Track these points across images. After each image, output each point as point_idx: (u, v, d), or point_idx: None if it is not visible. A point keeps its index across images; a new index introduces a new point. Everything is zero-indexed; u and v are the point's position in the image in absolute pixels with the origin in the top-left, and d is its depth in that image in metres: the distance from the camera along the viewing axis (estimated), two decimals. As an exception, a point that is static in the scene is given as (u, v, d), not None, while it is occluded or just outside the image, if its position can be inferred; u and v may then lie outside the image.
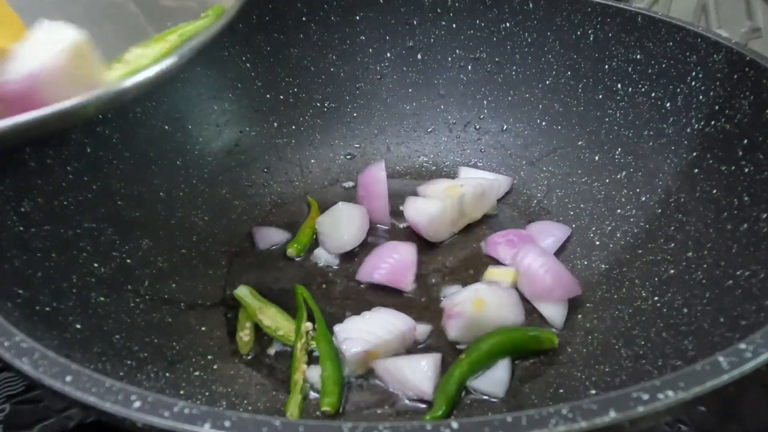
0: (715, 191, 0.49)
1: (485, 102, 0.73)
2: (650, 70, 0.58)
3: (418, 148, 0.73)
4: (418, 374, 0.46)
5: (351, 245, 0.60)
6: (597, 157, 0.64)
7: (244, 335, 0.51)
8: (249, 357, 0.50)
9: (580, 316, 0.52)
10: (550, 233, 0.60)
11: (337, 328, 0.49)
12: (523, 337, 0.49)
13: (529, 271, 0.53)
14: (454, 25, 0.71)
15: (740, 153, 0.48)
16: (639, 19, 0.59)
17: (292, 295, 0.55)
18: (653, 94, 0.58)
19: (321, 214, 0.63)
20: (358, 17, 0.71)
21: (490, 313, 0.49)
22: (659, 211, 0.55)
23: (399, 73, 0.73)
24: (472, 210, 0.63)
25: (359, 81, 0.73)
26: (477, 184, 0.62)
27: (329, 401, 0.45)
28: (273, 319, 0.52)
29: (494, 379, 0.47)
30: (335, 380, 0.46)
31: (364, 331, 0.48)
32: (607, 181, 0.62)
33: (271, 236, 0.63)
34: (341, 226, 0.61)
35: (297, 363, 0.48)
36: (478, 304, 0.49)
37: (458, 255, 0.60)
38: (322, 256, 0.60)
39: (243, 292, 0.55)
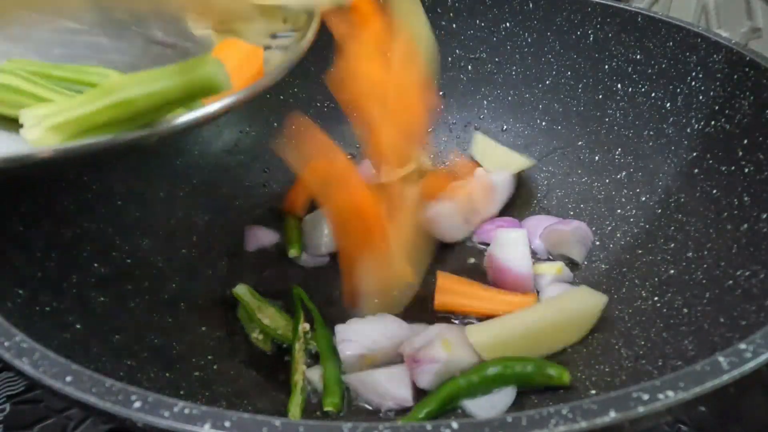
0: (715, 191, 0.49)
1: (485, 102, 0.73)
2: (650, 70, 0.58)
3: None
4: (395, 382, 0.45)
5: (327, 249, 0.60)
6: (597, 157, 0.64)
7: (258, 335, 0.51)
8: (249, 357, 0.50)
9: (580, 316, 0.52)
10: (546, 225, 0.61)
11: (338, 328, 0.49)
12: (533, 371, 0.45)
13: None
14: (454, 25, 0.71)
15: (740, 153, 0.48)
16: (639, 19, 0.59)
17: (292, 295, 0.55)
18: (653, 94, 0.58)
19: (308, 214, 0.63)
20: (358, 17, 0.71)
21: (459, 353, 0.46)
22: (659, 211, 0.55)
23: (399, 73, 0.73)
24: (484, 206, 0.63)
25: (359, 81, 0.73)
26: (485, 179, 0.62)
27: (332, 401, 0.44)
28: (272, 318, 0.52)
29: (490, 403, 0.44)
30: (337, 380, 0.46)
31: (363, 335, 0.47)
32: (607, 181, 0.62)
33: (260, 237, 0.62)
34: (323, 227, 0.60)
35: (296, 364, 0.48)
36: (447, 345, 0.46)
37: (465, 255, 0.61)
38: (305, 258, 0.60)
39: (242, 290, 0.54)
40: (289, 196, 0.66)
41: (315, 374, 0.47)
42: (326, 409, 0.44)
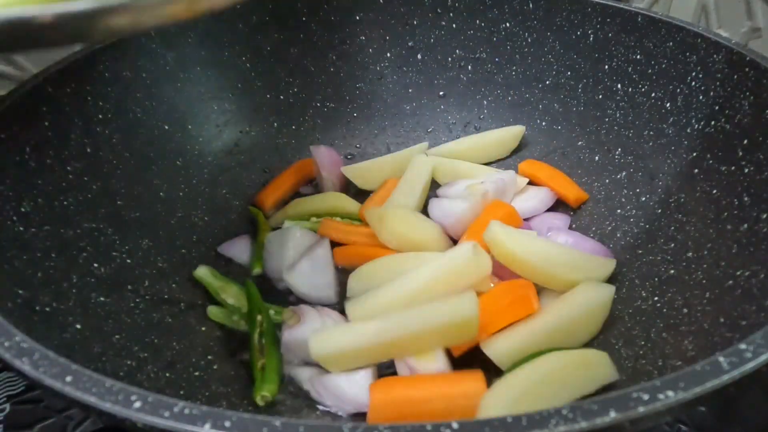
0: (715, 191, 0.49)
1: (485, 102, 0.73)
2: (650, 70, 0.58)
3: (418, 148, 0.73)
4: (355, 388, 0.45)
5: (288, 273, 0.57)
6: (597, 157, 0.64)
7: (236, 318, 0.52)
8: (249, 357, 0.50)
9: (580, 316, 0.52)
10: (551, 224, 0.61)
11: (286, 333, 0.49)
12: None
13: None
14: (454, 25, 0.71)
15: (740, 153, 0.48)
16: (639, 19, 0.59)
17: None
18: (653, 94, 0.58)
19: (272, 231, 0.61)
20: (358, 17, 0.71)
21: None
22: (659, 211, 0.55)
23: (399, 73, 0.73)
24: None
25: (359, 81, 0.73)
26: (498, 179, 0.61)
27: (269, 388, 0.45)
28: (236, 297, 0.53)
29: None
30: (276, 370, 0.47)
31: (306, 352, 0.47)
32: (607, 181, 0.62)
33: (231, 249, 0.61)
34: (287, 249, 0.58)
35: (255, 353, 0.48)
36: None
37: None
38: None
39: (203, 272, 0.55)
40: (261, 194, 0.66)
41: (303, 373, 0.48)
42: (262, 393, 0.45)
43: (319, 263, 0.57)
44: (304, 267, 0.56)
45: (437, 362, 0.46)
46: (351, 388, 0.45)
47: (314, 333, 0.47)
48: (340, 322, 0.50)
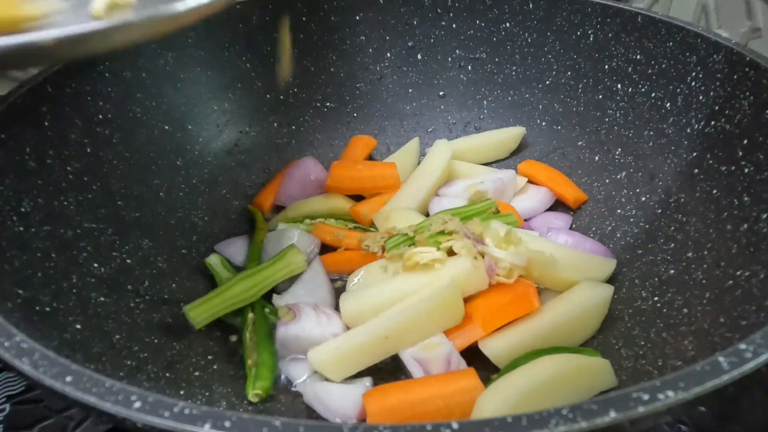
0: (715, 191, 0.49)
1: (485, 102, 0.73)
2: (650, 70, 0.58)
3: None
4: (343, 399, 0.44)
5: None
6: (597, 157, 0.64)
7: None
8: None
9: (580, 316, 0.52)
10: (551, 224, 0.61)
11: (281, 329, 0.49)
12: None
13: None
14: (454, 25, 0.71)
15: (740, 153, 0.48)
16: (639, 19, 0.59)
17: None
18: (653, 94, 0.58)
19: (270, 231, 0.61)
20: (358, 17, 0.71)
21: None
22: (659, 211, 0.55)
23: (399, 73, 0.73)
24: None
25: (359, 81, 0.73)
26: (497, 179, 0.62)
27: (261, 385, 0.45)
28: None
29: None
30: (270, 367, 0.47)
31: (299, 347, 0.48)
32: (607, 181, 0.62)
33: (227, 248, 0.60)
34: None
35: (248, 351, 0.48)
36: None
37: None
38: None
39: (214, 260, 0.56)
40: (260, 195, 0.66)
41: (296, 368, 0.48)
42: (255, 391, 0.45)
43: (310, 283, 0.55)
44: (298, 289, 0.55)
45: (441, 346, 0.45)
46: (342, 401, 0.44)
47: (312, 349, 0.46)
48: (335, 317, 0.50)
